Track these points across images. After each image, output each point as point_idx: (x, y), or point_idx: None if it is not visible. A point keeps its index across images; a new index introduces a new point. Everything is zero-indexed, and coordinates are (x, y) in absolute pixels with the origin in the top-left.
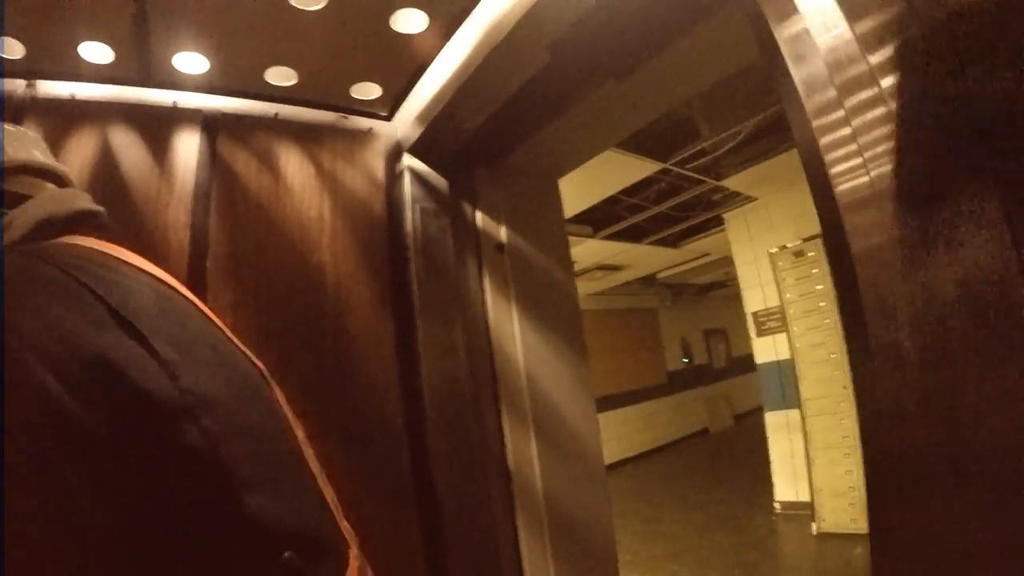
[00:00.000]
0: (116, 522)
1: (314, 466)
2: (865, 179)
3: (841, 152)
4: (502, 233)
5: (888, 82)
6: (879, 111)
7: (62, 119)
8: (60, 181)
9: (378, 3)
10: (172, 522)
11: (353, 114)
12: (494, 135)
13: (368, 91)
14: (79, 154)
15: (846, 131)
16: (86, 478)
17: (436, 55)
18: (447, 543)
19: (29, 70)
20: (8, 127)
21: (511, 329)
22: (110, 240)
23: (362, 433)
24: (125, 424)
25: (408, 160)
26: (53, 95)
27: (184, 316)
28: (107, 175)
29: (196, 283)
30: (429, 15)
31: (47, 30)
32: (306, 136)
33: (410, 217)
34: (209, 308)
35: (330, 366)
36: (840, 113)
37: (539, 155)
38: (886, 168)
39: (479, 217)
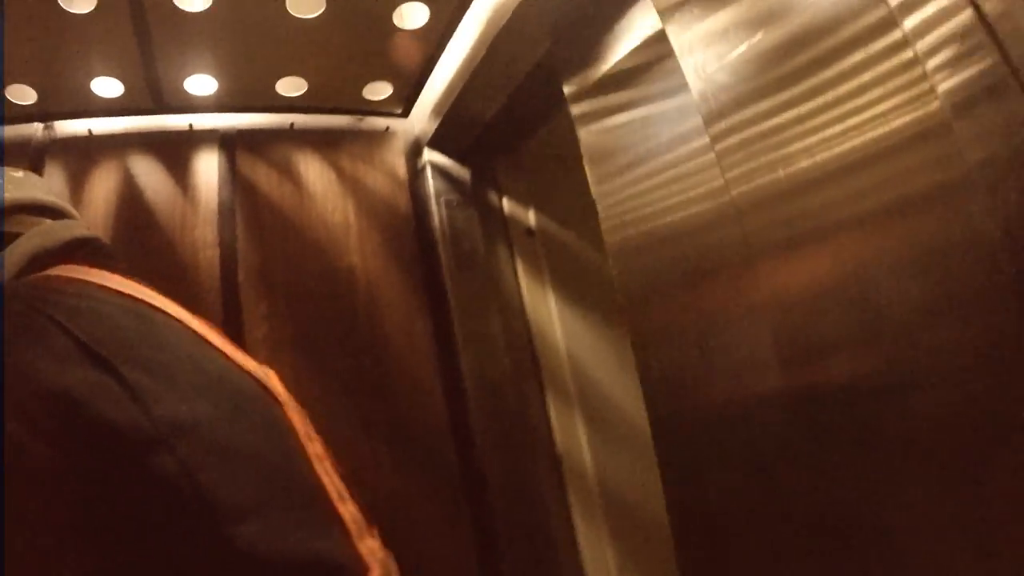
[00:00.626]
0: (99, 564)
1: (330, 483)
2: (631, 232)
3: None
4: (530, 218)
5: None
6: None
7: (82, 156)
8: (59, 215)
9: (377, 1)
10: (158, 560)
11: (368, 115)
12: (510, 121)
13: (380, 90)
14: (103, 187)
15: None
16: (62, 523)
17: (443, 47)
18: (499, 533)
19: (44, 112)
20: (8, 171)
21: (549, 313)
22: (107, 266)
23: (406, 430)
24: (94, 460)
25: (428, 155)
26: (71, 134)
27: (165, 338)
28: (132, 204)
29: (229, 298)
30: (429, 7)
31: (55, 72)
32: (324, 142)
33: (436, 211)
34: (245, 321)
35: (369, 366)
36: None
37: (559, 137)
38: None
39: (506, 204)
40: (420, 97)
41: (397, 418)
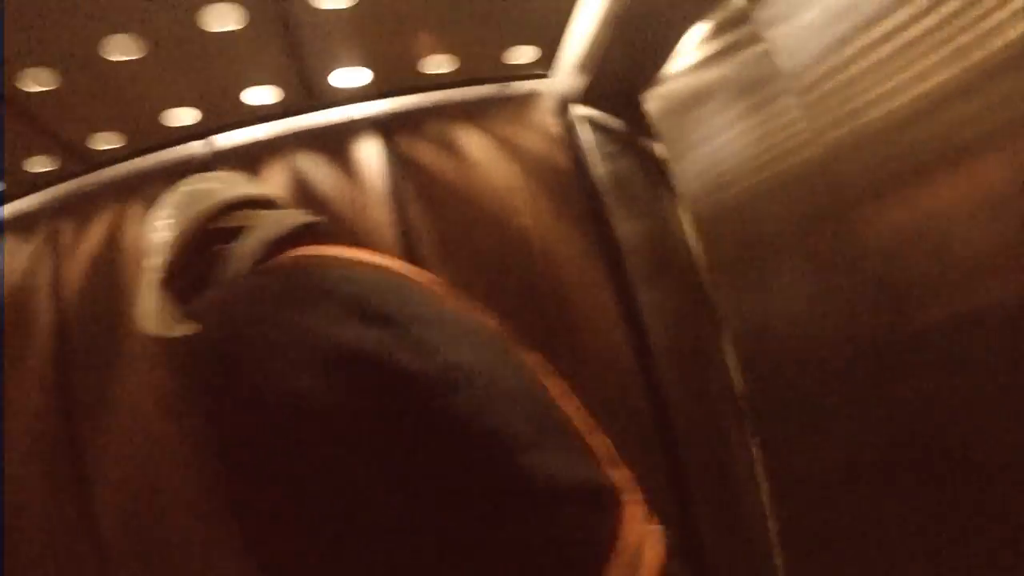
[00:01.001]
0: (401, 499)
1: (578, 418)
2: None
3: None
4: None
5: None
6: None
7: (247, 163)
8: (271, 205)
9: None
10: (453, 490)
11: (512, 80)
12: (655, 67)
13: (523, 55)
14: (272, 188)
15: None
16: (366, 463)
17: (581, 4)
18: (690, 476)
19: (204, 130)
20: (216, 174)
21: None
22: (337, 242)
23: (595, 379)
24: (389, 407)
25: (578, 110)
26: (232, 144)
27: (420, 296)
28: (303, 199)
29: None
30: None
31: (211, 90)
32: (475, 112)
33: (595, 163)
34: None
35: (553, 321)
36: None
37: None
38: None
39: (660, 148)
40: (561, 56)
41: (585, 366)
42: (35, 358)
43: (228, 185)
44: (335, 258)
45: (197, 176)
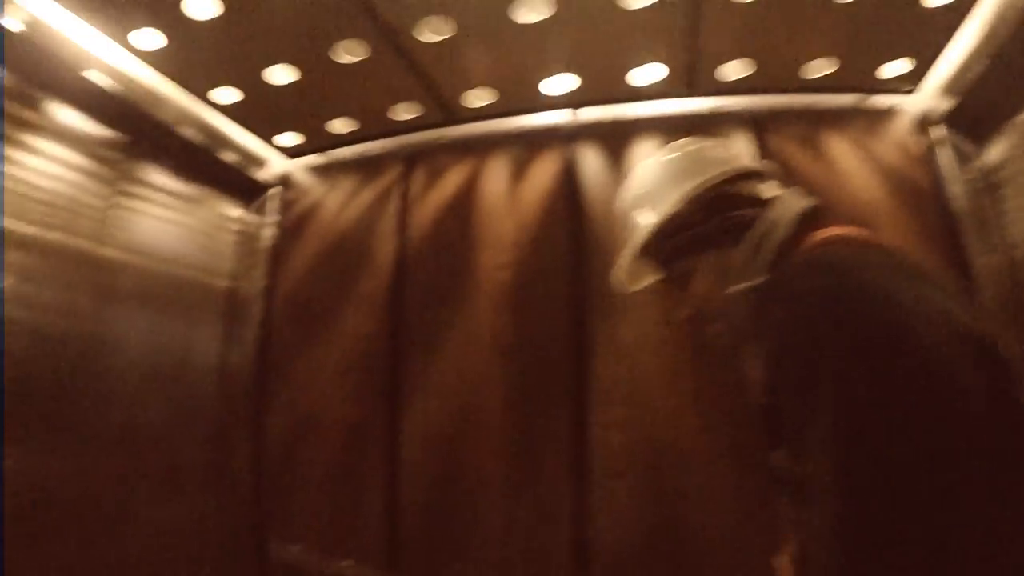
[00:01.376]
0: (977, 475)
1: None
2: None
3: None
4: None
5: None
6: None
7: (612, 139)
8: (761, 178)
9: None
10: (1009, 480)
11: (877, 92)
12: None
13: (897, 69)
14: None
15: None
16: (963, 435)
17: (964, 24)
18: None
19: (577, 100)
20: (702, 140)
21: None
22: (843, 224)
23: None
24: (995, 385)
25: (940, 132)
26: (598, 119)
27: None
28: None
29: None
30: None
31: (597, 62)
32: (838, 119)
33: (954, 188)
34: None
35: None
36: None
37: None
38: None
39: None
40: (928, 75)
41: None
42: (372, 287)
43: (734, 155)
44: (878, 240)
45: (685, 140)
